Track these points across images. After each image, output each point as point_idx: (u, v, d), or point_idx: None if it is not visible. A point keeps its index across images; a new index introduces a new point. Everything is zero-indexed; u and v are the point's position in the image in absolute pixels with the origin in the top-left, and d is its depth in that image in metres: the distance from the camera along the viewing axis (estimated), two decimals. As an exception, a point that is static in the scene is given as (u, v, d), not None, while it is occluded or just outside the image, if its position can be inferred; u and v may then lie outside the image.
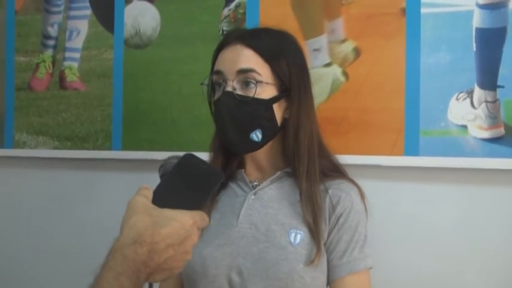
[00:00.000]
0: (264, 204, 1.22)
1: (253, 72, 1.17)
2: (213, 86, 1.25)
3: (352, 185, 1.23)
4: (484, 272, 1.48)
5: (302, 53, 1.27)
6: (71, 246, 1.98)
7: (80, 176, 1.98)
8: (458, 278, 1.49)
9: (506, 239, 1.46)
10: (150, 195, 0.81)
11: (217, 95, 1.22)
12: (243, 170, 1.26)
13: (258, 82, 1.17)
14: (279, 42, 1.23)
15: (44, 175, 2.05)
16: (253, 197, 1.23)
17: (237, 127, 1.19)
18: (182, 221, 0.77)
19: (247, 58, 1.18)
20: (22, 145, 2.07)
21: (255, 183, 1.26)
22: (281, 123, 1.22)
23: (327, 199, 1.20)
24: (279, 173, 1.24)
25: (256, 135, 1.19)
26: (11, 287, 2.08)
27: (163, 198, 0.81)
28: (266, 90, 1.18)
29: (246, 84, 1.18)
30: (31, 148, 2.05)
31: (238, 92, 1.18)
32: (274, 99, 1.20)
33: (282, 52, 1.21)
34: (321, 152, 1.24)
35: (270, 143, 1.23)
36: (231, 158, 1.28)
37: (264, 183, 1.24)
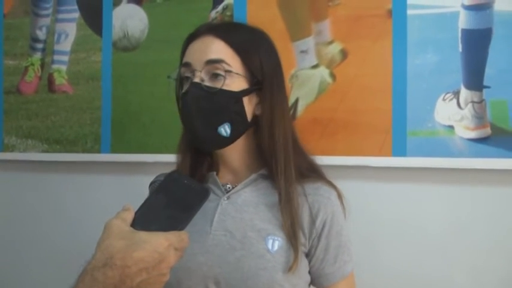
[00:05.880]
0: (238, 209, 1.16)
1: (222, 63, 1.11)
2: (181, 81, 1.18)
3: (330, 188, 1.19)
4: (473, 272, 1.48)
5: (275, 50, 1.21)
6: (61, 249, 1.98)
7: (69, 179, 1.98)
8: (447, 278, 1.50)
9: (494, 239, 1.46)
10: (129, 217, 0.81)
11: (185, 88, 1.15)
12: (215, 173, 1.21)
13: (226, 72, 1.11)
14: (251, 36, 1.18)
15: (33, 178, 2.05)
16: (226, 201, 1.17)
17: (204, 120, 1.13)
18: (155, 244, 0.77)
19: (217, 49, 1.12)
20: (11, 148, 2.07)
21: (228, 186, 1.20)
22: (251, 119, 1.16)
23: (306, 206, 1.15)
24: (253, 175, 1.18)
25: (225, 130, 1.13)
26: (1, 291, 2.08)
27: (143, 219, 0.81)
28: (236, 82, 1.13)
29: (214, 75, 1.12)
30: (20, 151, 2.05)
31: (207, 83, 1.12)
32: (244, 92, 1.14)
33: (254, 45, 1.16)
34: (296, 150, 1.19)
35: (243, 143, 1.18)
36: (200, 160, 1.22)
37: (238, 187, 1.18)
